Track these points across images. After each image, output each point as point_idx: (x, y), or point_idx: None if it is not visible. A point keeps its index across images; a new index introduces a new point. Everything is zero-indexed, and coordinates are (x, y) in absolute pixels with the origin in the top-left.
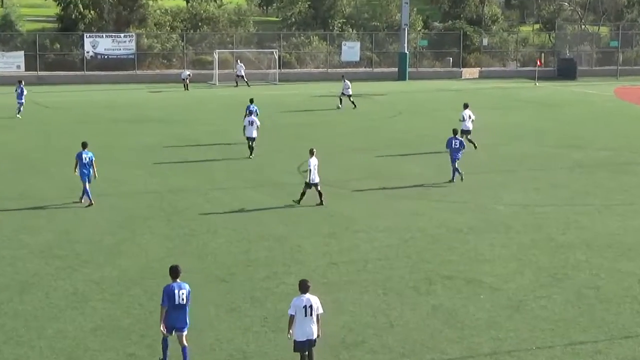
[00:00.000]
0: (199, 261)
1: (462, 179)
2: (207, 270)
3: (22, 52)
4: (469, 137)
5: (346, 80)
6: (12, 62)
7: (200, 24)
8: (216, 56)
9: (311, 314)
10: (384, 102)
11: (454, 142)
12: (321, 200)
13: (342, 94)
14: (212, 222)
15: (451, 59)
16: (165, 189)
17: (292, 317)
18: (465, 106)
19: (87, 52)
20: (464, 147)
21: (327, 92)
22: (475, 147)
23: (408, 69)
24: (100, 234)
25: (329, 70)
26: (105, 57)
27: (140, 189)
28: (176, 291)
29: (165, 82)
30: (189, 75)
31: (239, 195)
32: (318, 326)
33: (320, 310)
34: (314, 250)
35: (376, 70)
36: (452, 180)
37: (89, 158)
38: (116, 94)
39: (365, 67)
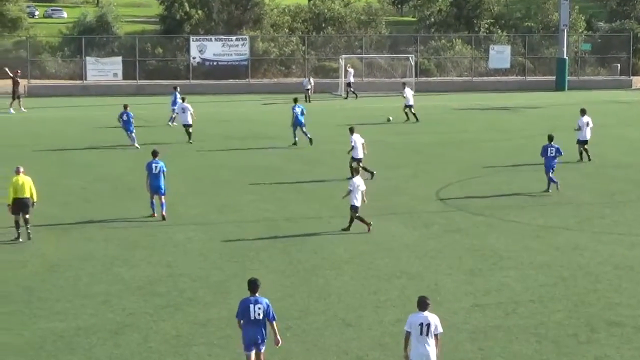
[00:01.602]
0: (321, 301)
1: (557, 187)
2: (329, 312)
3: (119, 58)
4: (585, 146)
5: (407, 88)
6: (108, 69)
7: (323, 25)
8: (342, 62)
9: (427, 333)
10: (538, 116)
11: (549, 150)
12: (349, 226)
13: (405, 105)
14: (335, 256)
15: (619, 65)
16: (281, 216)
17: (408, 334)
18: (583, 112)
19: (194, 58)
20: (560, 154)
21: (471, 104)
22: (590, 160)
23: (567, 78)
24: (207, 268)
25: (474, 78)
26: (214, 63)
27: (253, 216)
28: (252, 306)
29: (283, 92)
30: (311, 84)
31: None
32: (437, 348)
33: (440, 330)
34: (455, 289)
35: (529, 78)
36: (547, 190)
37: (160, 168)
38: (226, 107)
39: (516, 75)
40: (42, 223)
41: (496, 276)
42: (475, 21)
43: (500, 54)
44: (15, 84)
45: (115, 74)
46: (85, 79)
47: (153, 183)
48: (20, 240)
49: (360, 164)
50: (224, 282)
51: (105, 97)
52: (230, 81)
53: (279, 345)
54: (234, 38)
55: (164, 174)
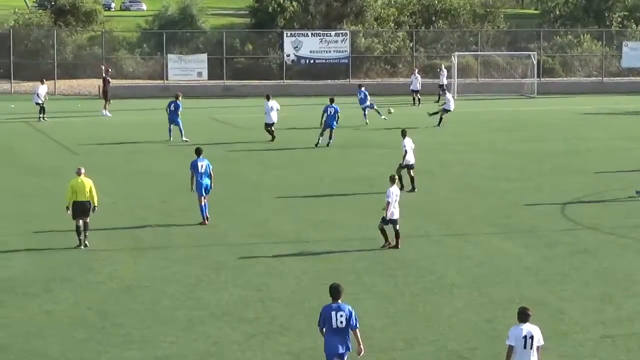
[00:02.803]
0: (430, 330)
1: None
2: (439, 342)
3: (204, 56)
4: None
5: (447, 93)
6: (192, 68)
7: (434, 18)
8: (455, 60)
9: (531, 346)
10: None
11: None
12: (397, 243)
13: (444, 109)
14: (447, 279)
15: None
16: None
17: (510, 348)
18: None
19: (288, 56)
20: None
21: (601, 108)
22: None
23: None
24: (301, 292)
25: (605, 79)
26: (311, 61)
27: (354, 234)
28: (334, 313)
29: (387, 94)
30: (419, 84)
31: (483, 244)
32: None
33: (542, 342)
34: (582, 318)
35: None
36: None
37: (206, 166)
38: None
39: None
40: (119, 240)
41: (629, 304)
42: (606, 14)
43: (635, 51)
44: (106, 83)
45: (199, 73)
46: (167, 79)
47: (199, 182)
48: (82, 247)
49: (412, 172)
50: (319, 308)
51: (189, 99)
52: (328, 81)
53: (362, 354)
54: (332, 33)
55: (210, 172)
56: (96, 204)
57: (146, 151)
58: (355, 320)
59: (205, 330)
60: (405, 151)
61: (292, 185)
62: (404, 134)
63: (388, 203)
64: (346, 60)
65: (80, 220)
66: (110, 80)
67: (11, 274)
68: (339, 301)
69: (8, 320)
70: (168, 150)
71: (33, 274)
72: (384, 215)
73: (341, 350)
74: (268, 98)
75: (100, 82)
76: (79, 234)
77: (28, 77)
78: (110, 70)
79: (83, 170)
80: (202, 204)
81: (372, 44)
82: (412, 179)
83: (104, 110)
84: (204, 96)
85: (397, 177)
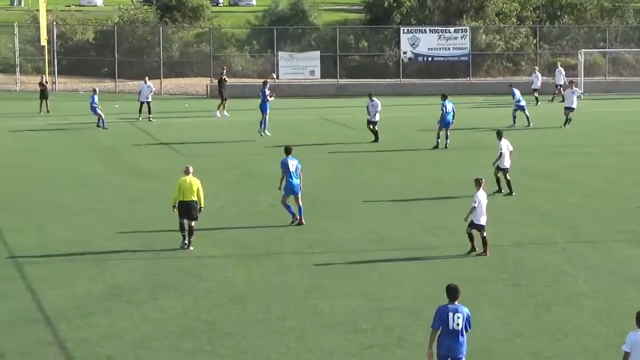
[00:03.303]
0: (555, 343)
1: None
2: (566, 355)
3: (317, 53)
4: None
5: (571, 89)
6: (304, 66)
7: (559, 13)
8: (581, 58)
9: None
10: None
11: None
12: (485, 250)
13: (566, 108)
14: (572, 289)
15: None
16: (508, 240)
17: (626, 355)
18: None
19: (404, 53)
20: None
21: None
22: None
23: None
24: (419, 302)
25: None
26: (429, 59)
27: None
28: (450, 314)
29: (510, 93)
30: (539, 82)
31: (612, 252)
32: None
33: None
34: None
35: None
36: None
37: (296, 166)
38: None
39: None
40: (227, 246)
41: None
42: None
43: None
44: (222, 83)
45: (312, 72)
46: (277, 78)
47: (290, 182)
48: (187, 247)
49: (507, 175)
50: None
51: (300, 98)
52: (447, 80)
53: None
54: (452, 29)
55: (300, 172)
56: (202, 205)
57: (256, 153)
58: (471, 323)
59: (318, 340)
60: (501, 153)
61: (408, 188)
62: (500, 135)
63: (473, 208)
64: (466, 58)
65: (186, 221)
66: (227, 80)
67: (117, 281)
68: (456, 302)
69: (113, 330)
70: (277, 152)
71: (138, 281)
72: (476, 223)
73: (456, 354)
74: (371, 97)
75: (207, 80)
76: (182, 230)
77: (132, 75)
78: (225, 68)
79: (191, 169)
80: (289, 202)
81: (494, 40)
82: (508, 182)
83: (217, 112)
84: (316, 95)
85: (482, 180)
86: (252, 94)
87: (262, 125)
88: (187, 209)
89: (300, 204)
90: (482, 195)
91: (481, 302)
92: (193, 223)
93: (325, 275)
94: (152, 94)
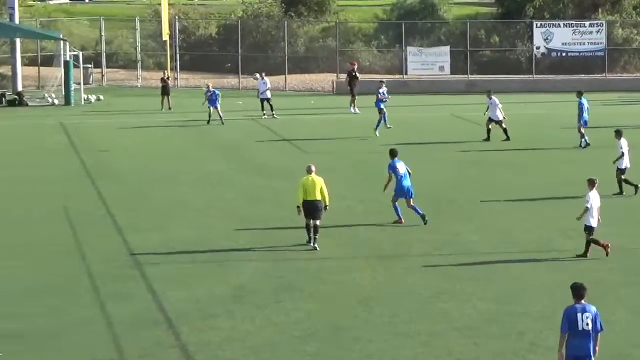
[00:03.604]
0: None
1: None
2: None
3: (447, 48)
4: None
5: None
6: (433, 61)
7: None
8: None
9: None
10: None
11: None
12: (585, 252)
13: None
14: None
15: None
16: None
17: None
18: None
19: (537, 48)
20: None
21: None
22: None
23: None
24: (552, 306)
25: None
26: (562, 54)
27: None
28: (579, 314)
29: None
30: None
31: None
32: None
33: None
34: None
35: None
36: None
37: (405, 168)
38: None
39: None
40: (353, 248)
41: None
42: None
43: None
44: (353, 79)
45: (441, 67)
46: (405, 74)
47: (401, 185)
48: (313, 247)
49: (623, 176)
50: None
51: (428, 95)
52: (582, 76)
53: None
54: (587, 23)
55: (409, 174)
56: (327, 203)
57: (382, 151)
58: (602, 322)
59: (446, 345)
60: (622, 153)
61: (539, 188)
62: (619, 134)
63: (586, 209)
64: (602, 53)
65: (311, 221)
66: (359, 76)
67: (240, 282)
68: (583, 301)
69: (236, 333)
70: (408, 149)
71: (261, 283)
72: (586, 224)
73: (587, 354)
74: (489, 95)
75: (333, 76)
76: (308, 231)
77: (256, 71)
78: (355, 63)
79: (314, 168)
80: (397, 204)
81: (631, 35)
82: (621, 181)
83: (350, 107)
84: (445, 92)
85: (596, 180)
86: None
87: (382, 123)
88: (312, 209)
89: (413, 203)
90: (594, 196)
91: (616, 307)
92: (318, 222)
93: (454, 277)
94: (267, 90)
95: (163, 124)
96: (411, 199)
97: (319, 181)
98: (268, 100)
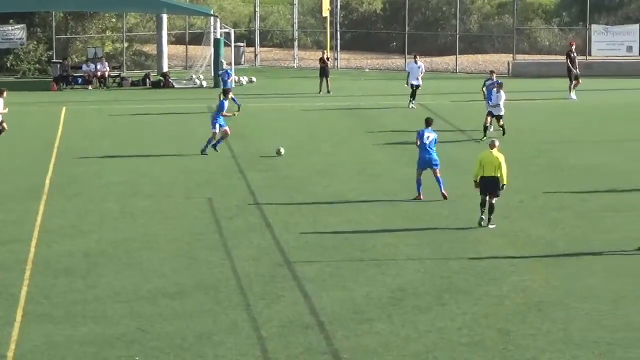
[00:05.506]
0: None
1: None
2: None
3: (636, 27)
4: None
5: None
6: (620, 41)
7: None
8: None
9: None
10: None
11: None
12: None
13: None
14: None
15: None
16: None
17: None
18: None
19: None
20: None
21: None
22: None
23: None
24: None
25: None
26: None
27: None
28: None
29: None
30: None
31: None
32: None
33: None
34: None
35: None
36: None
37: (433, 139)
38: None
39: None
40: (525, 246)
41: None
42: None
43: None
44: (572, 60)
45: (629, 48)
46: (589, 54)
47: (424, 155)
48: (485, 225)
49: None
50: None
51: (612, 78)
52: None
53: None
54: None
55: (435, 145)
56: (505, 182)
57: (568, 140)
58: None
59: (627, 356)
60: None
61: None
62: None
63: None
64: None
65: (487, 198)
66: (576, 56)
67: (401, 283)
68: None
69: (395, 338)
70: (589, 140)
71: (424, 284)
72: None
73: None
74: None
75: (509, 57)
76: (482, 206)
77: (424, 52)
78: (573, 44)
79: (497, 144)
80: (421, 178)
81: None
82: None
83: (571, 93)
84: (631, 74)
85: None
86: (559, 74)
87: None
88: (488, 185)
89: (439, 175)
90: None
91: None
92: (494, 200)
93: (639, 280)
94: (421, 75)
95: (321, 108)
96: (437, 169)
97: (499, 157)
98: (418, 87)
